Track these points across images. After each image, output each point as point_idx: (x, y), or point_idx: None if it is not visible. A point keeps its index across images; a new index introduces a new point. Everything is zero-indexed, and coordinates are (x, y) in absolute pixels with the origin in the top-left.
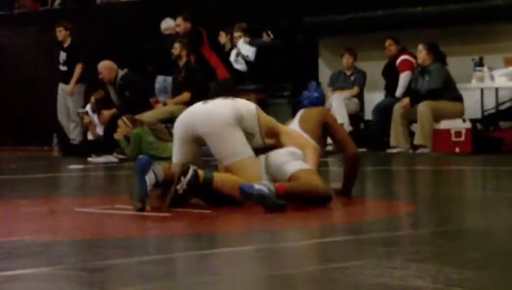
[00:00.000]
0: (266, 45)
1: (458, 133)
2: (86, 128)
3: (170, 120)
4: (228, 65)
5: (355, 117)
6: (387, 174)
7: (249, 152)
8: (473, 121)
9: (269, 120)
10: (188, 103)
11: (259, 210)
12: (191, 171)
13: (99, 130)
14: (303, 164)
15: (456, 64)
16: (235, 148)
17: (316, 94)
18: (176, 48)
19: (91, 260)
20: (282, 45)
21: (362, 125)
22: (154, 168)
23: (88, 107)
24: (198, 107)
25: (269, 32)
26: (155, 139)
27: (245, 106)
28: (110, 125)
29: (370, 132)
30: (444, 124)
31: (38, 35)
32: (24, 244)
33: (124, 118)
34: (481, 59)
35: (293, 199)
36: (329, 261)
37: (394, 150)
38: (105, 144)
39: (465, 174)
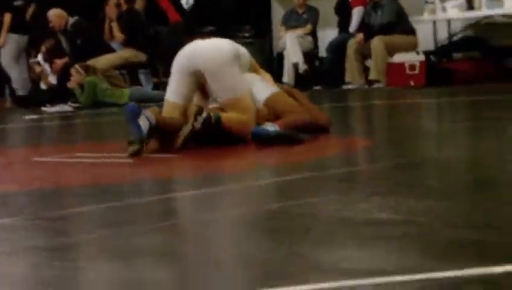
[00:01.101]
0: None
1: (412, 66)
2: (38, 77)
3: (124, 66)
4: (179, 8)
5: (310, 55)
6: (343, 110)
7: (245, 88)
8: (427, 54)
9: (255, 63)
10: (130, 45)
11: (225, 152)
12: (205, 111)
13: (52, 79)
14: (273, 87)
15: None
16: (234, 83)
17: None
18: None
19: (52, 208)
20: None
21: (317, 63)
22: (145, 113)
23: (40, 57)
24: (199, 42)
25: None
26: (110, 86)
27: (240, 46)
28: (63, 74)
29: (325, 69)
30: (397, 58)
31: None
32: None
33: (76, 66)
34: None
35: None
36: (290, 199)
37: (349, 86)
38: (59, 93)
39: (420, 107)
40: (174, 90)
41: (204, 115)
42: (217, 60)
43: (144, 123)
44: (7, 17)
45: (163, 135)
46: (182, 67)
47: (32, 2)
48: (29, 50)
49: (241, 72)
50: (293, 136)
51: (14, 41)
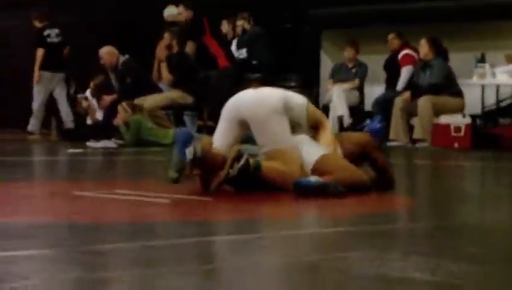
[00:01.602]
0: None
1: (458, 128)
2: (85, 112)
3: (170, 107)
4: (230, 54)
5: (356, 109)
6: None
7: (291, 141)
8: (473, 117)
9: (318, 113)
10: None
11: (265, 198)
12: (244, 157)
13: (99, 115)
14: (326, 149)
15: (458, 60)
16: (277, 135)
17: (379, 125)
18: (166, 38)
19: (92, 243)
20: (268, 33)
21: (367, 121)
22: (195, 143)
23: (88, 92)
24: (249, 92)
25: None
26: (154, 126)
27: (295, 96)
28: (110, 111)
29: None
30: (443, 119)
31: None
32: (24, 226)
33: (123, 103)
34: (483, 56)
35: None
36: (329, 252)
37: (393, 143)
38: (104, 129)
39: (464, 170)
40: (219, 138)
41: (242, 162)
42: (262, 110)
43: (189, 152)
44: (39, 53)
45: (206, 169)
46: (229, 115)
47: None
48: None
49: (293, 123)
50: (334, 187)
51: (44, 78)
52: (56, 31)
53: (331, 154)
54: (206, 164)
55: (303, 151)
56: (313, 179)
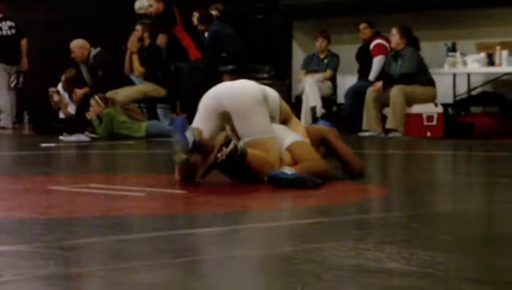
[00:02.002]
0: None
1: (430, 118)
2: (57, 106)
3: (143, 100)
4: (201, 46)
5: (328, 100)
6: (359, 157)
7: (272, 132)
8: (445, 106)
9: (287, 108)
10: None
11: (239, 191)
12: (232, 143)
13: (71, 109)
14: (298, 136)
15: (429, 49)
16: (260, 125)
17: (329, 123)
18: (138, 30)
19: (67, 238)
20: (227, 28)
21: (335, 108)
22: (191, 128)
23: (59, 86)
24: (228, 84)
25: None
26: (127, 119)
27: (269, 90)
28: (82, 104)
29: (342, 115)
30: (416, 109)
31: None
32: None
33: (96, 97)
34: (454, 44)
35: None
36: (304, 243)
37: (366, 134)
38: (77, 123)
39: (437, 159)
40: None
41: (230, 146)
42: (245, 100)
43: (189, 136)
44: None
45: (203, 153)
46: (209, 107)
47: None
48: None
49: (269, 117)
50: (310, 180)
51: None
52: (9, 23)
53: (304, 142)
54: (203, 147)
55: (279, 134)
56: (289, 171)
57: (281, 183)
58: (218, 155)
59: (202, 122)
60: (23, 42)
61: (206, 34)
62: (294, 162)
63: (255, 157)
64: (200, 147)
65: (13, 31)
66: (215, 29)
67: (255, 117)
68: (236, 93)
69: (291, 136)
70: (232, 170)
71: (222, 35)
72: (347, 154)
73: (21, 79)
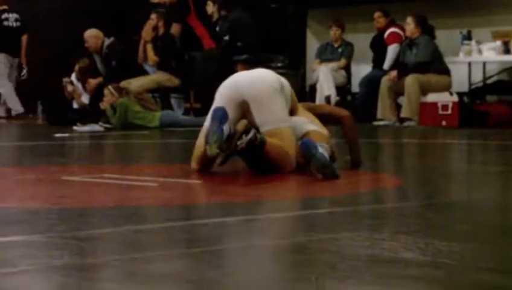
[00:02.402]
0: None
1: (445, 107)
2: (71, 97)
3: (157, 90)
4: (215, 35)
5: (342, 89)
6: (374, 147)
7: (289, 121)
8: (460, 95)
9: (295, 98)
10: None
11: (254, 180)
12: (252, 131)
13: (85, 99)
14: (317, 127)
15: (444, 37)
16: (279, 113)
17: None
18: (153, 19)
19: (81, 228)
20: (249, 15)
21: (349, 98)
22: (230, 122)
23: (73, 76)
24: (244, 73)
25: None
26: (141, 109)
27: (283, 79)
28: (96, 94)
29: (357, 104)
30: (431, 97)
31: None
32: (13, 211)
33: (110, 87)
34: (469, 32)
35: None
36: (318, 232)
37: (381, 123)
38: (91, 113)
39: (452, 148)
40: None
41: (250, 134)
42: (264, 89)
43: (226, 129)
44: None
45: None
46: (226, 97)
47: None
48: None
49: (286, 105)
50: (331, 170)
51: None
52: (15, 16)
53: (321, 132)
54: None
55: (299, 128)
56: (323, 151)
57: (306, 154)
58: (238, 143)
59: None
60: (24, 38)
61: (221, 21)
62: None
63: (273, 146)
64: (234, 140)
65: (18, 23)
66: (236, 16)
67: (274, 105)
68: (254, 82)
69: (310, 126)
70: (250, 159)
71: (242, 24)
72: (352, 145)
73: (24, 71)
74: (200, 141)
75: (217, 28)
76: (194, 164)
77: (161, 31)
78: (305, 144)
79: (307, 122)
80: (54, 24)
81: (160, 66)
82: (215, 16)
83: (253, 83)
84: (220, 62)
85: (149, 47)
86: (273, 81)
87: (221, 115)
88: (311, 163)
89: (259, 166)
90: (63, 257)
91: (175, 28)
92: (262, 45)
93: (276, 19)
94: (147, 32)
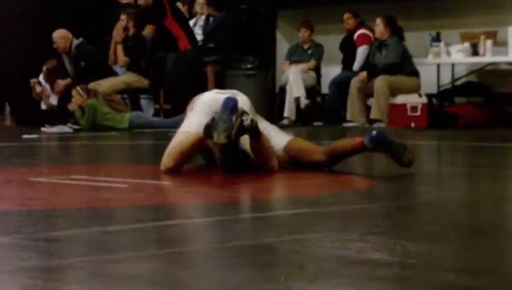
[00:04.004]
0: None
1: (414, 108)
2: (39, 97)
3: (126, 91)
4: (191, 37)
5: (312, 90)
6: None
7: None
8: (429, 96)
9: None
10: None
11: (224, 181)
12: (250, 116)
13: (53, 100)
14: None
15: (413, 39)
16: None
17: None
18: (123, 20)
19: (49, 230)
20: (231, 17)
21: (319, 99)
22: (238, 112)
23: (41, 77)
24: (218, 95)
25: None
26: (110, 110)
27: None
28: (64, 95)
29: (327, 106)
30: (400, 99)
31: None
32: None
33: (78, 88)
34: (438, 34)
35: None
36: (287, 233)
37: (350, 124)
38: (60, 114)
39: (421, 149)
40: (198, 127)
41: (250, 116)
42: (243, 101)
43: (234, 121)
44: None
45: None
46: (209, 109)
47: None
48: None
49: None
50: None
51: None
52: None
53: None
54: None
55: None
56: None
57: (379, 144)
58: (244, 118)
59: (202, 120)
60: None
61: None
62: (290, 158)
63: (266, 140)
64: (239, 117)
65: None
66: (222, 17)
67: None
68: (236, 94)
69: (284, 135)
70: (234, 155)
71: (225, 25)
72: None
73: None
74: (181, 137)
75: (197, 27)
76: (169, 161)
77: (131, 31)
78: (375, 135)
79: (276, 132)
80: (21, 24)
81: (130, 67)
82: (186, 17)
83: (235, 94)
84: (192, 64)
85: (119, 48)
86: (248, 103)
87: (233, 106)
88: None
89: (239, 165)
90: (31, 258)
91: (148, 30)
92: (235, 46)
93: (246, 20)
94: (117, 33)
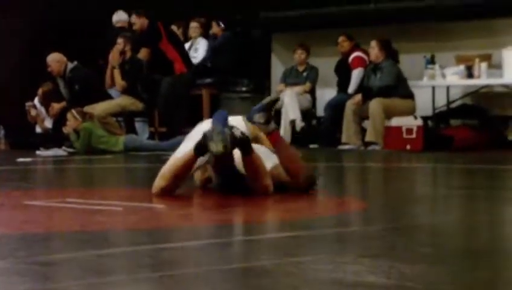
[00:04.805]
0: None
1: (409, 131)
2: (34, 121)
3: (121, 114)
4: (187, 59)
5: (308, 113)
6: (339, 170)
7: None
8: (424, 119)
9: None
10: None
11: (218, 204)
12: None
13: (48, 123)
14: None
15: (408, 61)
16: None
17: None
18: (119, 43)
19: (44, 253)
20: (235, 39)
21: (314, 122)
22: (229, 126)
23: (36, 100)
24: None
25: (220, 23)
26: (105, 133)
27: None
28: (59, 119)
29: (322, 128)
30: (395, 121)
31: None
32: None
33: (73, 111)
34: (433, 57)
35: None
36: (282, 256)
37: (346, 147)
38: (54, 137)
39: (416, 171)
40: (190, 150)
41: (240, 129)
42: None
43: (227, 132)
44: None
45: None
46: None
47: None
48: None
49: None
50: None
51: None
52: None
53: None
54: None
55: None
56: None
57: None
58: (234, 130)
59: None
60: None
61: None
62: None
63: (258, 157)
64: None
65: None
66: (229, 36)
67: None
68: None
69: (272, 157)
70: (229, 169)
71: (227, 46)
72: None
73: None
74: (176, 158)
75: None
76: (161, 182)
77: (128, 55)
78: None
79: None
80: (16, 47)
81: (125, 90)
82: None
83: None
84: (188, 86)
85: (116, 72)
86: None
87: (224, 119)
88: None
89: (234, 181)
90: (25, 282)
91: (143, 53)
92: (231, 69)
93: (241, 42)
94: (114, 58)
